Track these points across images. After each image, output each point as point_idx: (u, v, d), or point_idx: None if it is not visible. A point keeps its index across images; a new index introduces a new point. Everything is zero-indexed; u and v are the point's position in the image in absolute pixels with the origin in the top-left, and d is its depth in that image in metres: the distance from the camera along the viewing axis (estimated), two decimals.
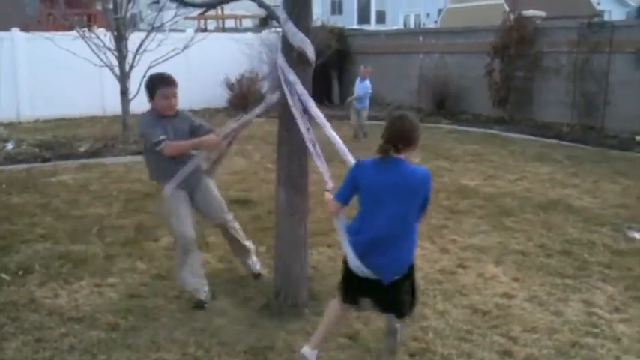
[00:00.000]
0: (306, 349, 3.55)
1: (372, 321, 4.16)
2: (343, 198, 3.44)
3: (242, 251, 4.93)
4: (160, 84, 4.36)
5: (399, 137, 3.30)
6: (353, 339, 3.93)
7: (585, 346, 3.87)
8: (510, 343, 3.90)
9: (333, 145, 4.01)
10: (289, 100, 4.08)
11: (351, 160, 3.77)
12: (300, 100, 4.08)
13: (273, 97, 4.45)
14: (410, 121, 3.38)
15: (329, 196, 3.63)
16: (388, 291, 3.36)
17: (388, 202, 3.26)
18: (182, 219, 4.38)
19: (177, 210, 4.39)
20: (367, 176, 3.33)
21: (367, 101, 11.53)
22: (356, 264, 3.35)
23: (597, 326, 4.13)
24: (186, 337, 3.94)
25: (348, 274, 3.46)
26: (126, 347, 3.83)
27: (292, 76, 4.07)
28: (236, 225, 4.85)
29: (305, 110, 4.10)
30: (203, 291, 4.44)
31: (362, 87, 11.50)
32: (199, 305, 4.38)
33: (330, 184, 3.78)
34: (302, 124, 4.06)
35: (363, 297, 3.50)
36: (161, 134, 4.27)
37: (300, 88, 4.07)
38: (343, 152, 3.96)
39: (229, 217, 4.79)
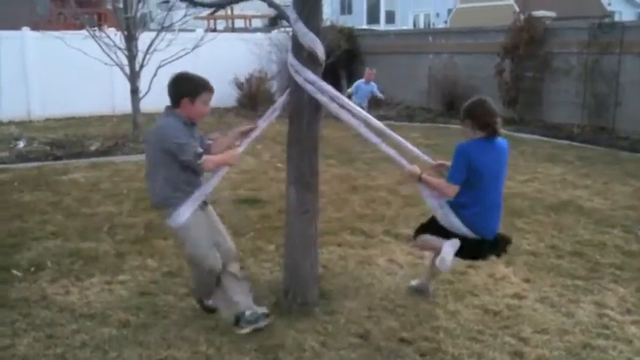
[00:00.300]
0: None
1: (382, 320, 4.15)
2: (460, 180, 3.99)
3: (222, 296, 4.09)
4: (204, 89, 3.80)
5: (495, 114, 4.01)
6: (364, 338, 3.93)
7: (597, 347, 3.85)
8: (521, 344, 3.88)
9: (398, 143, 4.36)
10: (321, 99, 4.11)
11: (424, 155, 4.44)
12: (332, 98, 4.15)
13: (281, 100, 4.44)
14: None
15: (441, 182, 4.13)
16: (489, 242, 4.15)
17: (501, 178, 4.16)
18: (209, 249, 3.84)
19: (202, 239, 3.82)
20: (480, 156, 3.94)
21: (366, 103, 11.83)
22: (467, 232, 4.07)
23: (609, 328, 4.11)
24: (196, 335, 3.94)
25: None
26: (137, 344, 3.85)
27: (311, 75, 4.07)
28: (237, 266, 4.16)
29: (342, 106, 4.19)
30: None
31: (367, 89, 11.83)
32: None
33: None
34: (349, 118, 4.21)
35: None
36: (198, 146, 3.77)
37: (325, 85, 4.10)
38: (411, 149, 4.42)
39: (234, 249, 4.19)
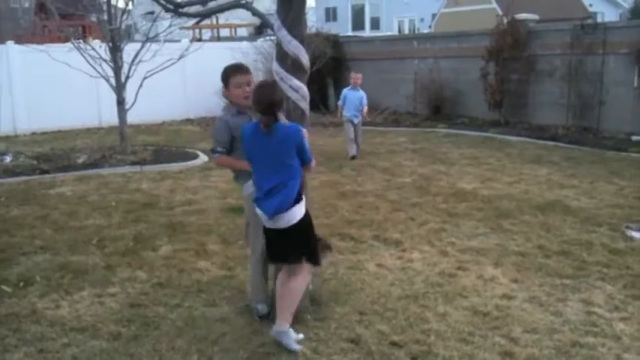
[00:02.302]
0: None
1: (373, 324, 4.17)
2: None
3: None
4: (232, 73, 4.24)
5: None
6: (355, 343, 3.94)
7: (586, 345, 3.88)
8: (511, 344, 3.91)
9: None
10: (305, 107, 4.16)
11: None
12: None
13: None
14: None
15: None
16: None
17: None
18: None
19: (258, 222, 4.11)
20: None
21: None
22: None
23: (597, 325, 4.15)
24: (188, 346, 3.94)
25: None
26: (128, 356, 3.84)
27: (296, 82, 4.11)
28: None
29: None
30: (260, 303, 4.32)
31: (356, 97, 10.38)
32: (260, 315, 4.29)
33: None
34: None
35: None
36: (223, 143, 4.22)
37: (305, 91, 4.14)
38: None
39: None
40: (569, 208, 7.00)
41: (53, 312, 4.52)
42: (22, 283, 5.05)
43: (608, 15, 32.65)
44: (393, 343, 3.92)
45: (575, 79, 12.17)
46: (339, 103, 10.69)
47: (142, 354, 3.86)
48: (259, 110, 3.75)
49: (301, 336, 3.95)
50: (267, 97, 3.72)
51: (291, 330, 3.89)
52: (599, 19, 24.82)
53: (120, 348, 3.95)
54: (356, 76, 10.48)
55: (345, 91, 10.60)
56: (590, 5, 31.04)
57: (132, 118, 11.16)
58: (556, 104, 12.46)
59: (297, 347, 3.83)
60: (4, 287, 4.96)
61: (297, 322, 4.10)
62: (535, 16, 13.66)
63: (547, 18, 16.55)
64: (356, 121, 10.32)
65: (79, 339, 4.08)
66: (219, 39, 23.00)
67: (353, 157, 10.18)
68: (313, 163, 3.94)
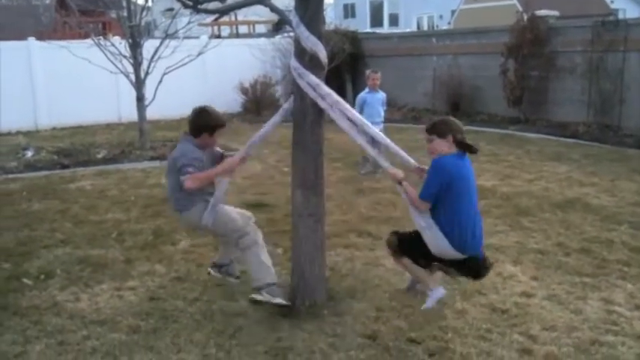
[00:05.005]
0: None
1: (390, 321, 4.17)
2: (429, 196, 4.09)
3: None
4: (221, 125, 4.46)
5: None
6: (372, 339, 3.94)
7: (605, 344, 3.85)
8: (530, 341, 3.89)
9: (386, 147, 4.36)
10: (321, 103, 4.14)
11: (410, 159, 4.40)
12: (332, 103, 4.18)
13: (287, 105, 4.48)
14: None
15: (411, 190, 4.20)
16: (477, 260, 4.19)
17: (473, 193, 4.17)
18: (236, 217, 4.51)
19: (228, 213, 4.48)
20: (457, 173, 4.04)
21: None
22: (455, 254, 4.09)
23: (617, 324, 4.11)
24: (206, 339, 3.97)
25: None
26: (147, 349, 3.88)
27: (313, 78, 4.11)
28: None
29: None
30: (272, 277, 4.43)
31: (376, 100, 8.79)
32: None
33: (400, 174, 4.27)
34: (347, 126, 4.25)
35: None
36: (199, 159, 4.32)
37: (326, 89, 4.12)
38: (399, 153, 4.37)
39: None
40: (590, 205, 6.93)
41: (73, 305, 4.57)
42: (42, 276, 5.11)
43: (630, 12, 32.22)
44: (411, 340, 3.91)
45: (595, 76, 12.03)
46: (356, 110, 8.25)
47: (161, 347, 3.90)
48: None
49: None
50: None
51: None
52: (620, 16, 24.51)
53: (139, 341, 3.98)
54: (375, 77, 8.80)
55: (363, 95, 8.82)
56: (612, 2, 30.66)
57: (151, 113, 11.23)
58: (577, 101, 12.34)
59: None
60: (25, 280, 5.03)
61: (313, 316, 4.12)
62: (555, 13, 13.52)
63: (567, 15, 16.39)
64: (380, 127, 8.10)
65: (98, 331, 4.12)
66: (237, 36, 23.07)
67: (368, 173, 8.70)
68: None
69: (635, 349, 3.79)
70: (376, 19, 39.44)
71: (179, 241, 5.95)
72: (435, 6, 36.74)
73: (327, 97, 4.15)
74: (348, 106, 4.28)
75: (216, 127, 4.42)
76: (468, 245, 4.11)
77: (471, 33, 15.30)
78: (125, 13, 11.10)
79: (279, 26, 19.18)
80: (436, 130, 4.15)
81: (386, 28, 35.83)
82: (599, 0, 27.98)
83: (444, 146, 4.13)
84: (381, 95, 8.87)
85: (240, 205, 7.16)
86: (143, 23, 11.51)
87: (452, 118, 4.32)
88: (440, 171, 4.04)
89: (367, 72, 9.03)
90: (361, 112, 8.26)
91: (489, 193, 7.51)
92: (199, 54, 11.65)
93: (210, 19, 14.81)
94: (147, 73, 10.86)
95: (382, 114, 8.92)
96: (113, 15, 14.68)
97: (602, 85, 11.96)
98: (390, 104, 10.67)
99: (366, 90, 8.82)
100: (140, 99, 11.01)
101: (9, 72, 13.71)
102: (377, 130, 4.41)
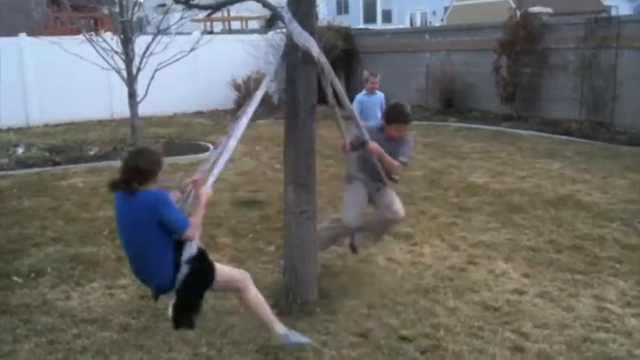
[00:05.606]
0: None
1: (382, 318, 4.16)
2: None
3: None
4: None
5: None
6: (364, 337, 3.94)
7: (597, 341, 3.86)
8: (522, 339, 3.89)
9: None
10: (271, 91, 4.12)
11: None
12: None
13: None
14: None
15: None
16: None
17: None
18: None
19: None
20: None
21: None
22: None
23: (609, 321, 4.12)
24: (197, 338, 3.95)
25: None
26: (138, 348, 3.86)
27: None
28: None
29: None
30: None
31: (373, 102, 7.98)
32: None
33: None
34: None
35: None
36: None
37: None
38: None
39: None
40: (582, 202, 6.94)
41: (64, 303, 4.55)
42: (33, 274, 5.08)
43: (622, 8, 32.30)
44: (402, 337, 3.91)
45: (588, 73, 12.05)
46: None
47: (152, 345, 3.88)
48: None
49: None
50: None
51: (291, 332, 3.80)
52: (613, 13, 24.57)
53: (130, 339, 3.97)
54: (374, 80, 8.03)
55: (359, 97, 8.05)
56: None
57: (143, 110, 11.16)
58: (569, 98, 12.35)
59: (305, 339, 3.81)
60: (15, 278, 5.00)
61: (305, 314, 4.10)
62: (548, 10, 13.54)
63: (560, 11, 16.41)
64: None
65: (89, 330, 4.10)
66: (230, 31, 22.98)
67: None
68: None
69: (627, 346, 3.80)
70: (369, 16, 39.38)
71: None
72: (428, 2, 36.72)
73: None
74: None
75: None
76: None
77: (463, 29, 15.30)
78: (117, 9, 11.02)
79: (271, 22, 19.13)
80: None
81: (379, 25, 35.74)
82: None
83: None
84: (379, 97, 8.13)
85: (233, 202, 7.20)
86: (135, 19, 11.42)
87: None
88: None
89: (365, 74, 8.33)
90: (360, 113, 7.34)
91: (481, 190, 7.51)
92: (191, 50, 11.57)
93: (202, 15, 14.74)
94: (139, 69, 10.78)
95: (379, 115, 7.93)
96: (105, 11, 14.58)
97: (594, 82, 11.98)
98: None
99: (363, 92, 8.08)
100: (132, 95, 10.94)
101: (0, 68, 13.59)
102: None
